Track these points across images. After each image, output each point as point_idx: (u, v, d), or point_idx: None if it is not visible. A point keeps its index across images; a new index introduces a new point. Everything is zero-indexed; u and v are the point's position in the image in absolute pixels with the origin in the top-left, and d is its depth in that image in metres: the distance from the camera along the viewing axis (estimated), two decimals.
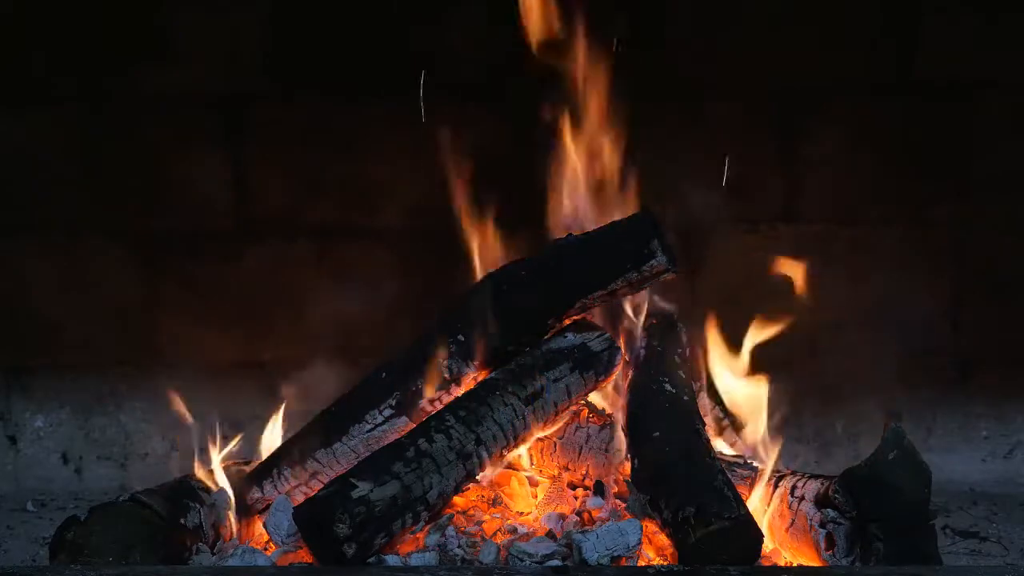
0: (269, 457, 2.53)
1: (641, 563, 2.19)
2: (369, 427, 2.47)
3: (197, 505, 2.33)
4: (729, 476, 2.25)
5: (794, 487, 2.32)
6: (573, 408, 2.54)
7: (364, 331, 3.13)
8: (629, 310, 2.69)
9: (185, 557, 2.25)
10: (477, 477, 2.38)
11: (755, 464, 2.48)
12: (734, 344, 2.73)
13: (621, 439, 2.48)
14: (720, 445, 2.66)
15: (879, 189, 3.27)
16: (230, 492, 2.42)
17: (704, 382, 2.74)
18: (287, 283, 3.25)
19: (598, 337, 2.54)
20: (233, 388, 3.22)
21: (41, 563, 2.54)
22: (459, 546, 2.24)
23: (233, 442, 2.59)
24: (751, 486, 2.40)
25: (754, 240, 3.29)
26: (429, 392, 2.48)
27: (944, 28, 3.21)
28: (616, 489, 2.47)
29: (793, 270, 2.74)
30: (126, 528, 2.19)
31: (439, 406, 2.46)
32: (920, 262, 3.27)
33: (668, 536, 2.21)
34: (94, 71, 3.20)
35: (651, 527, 2.26)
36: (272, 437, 2.63)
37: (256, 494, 2.47)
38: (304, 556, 2.24)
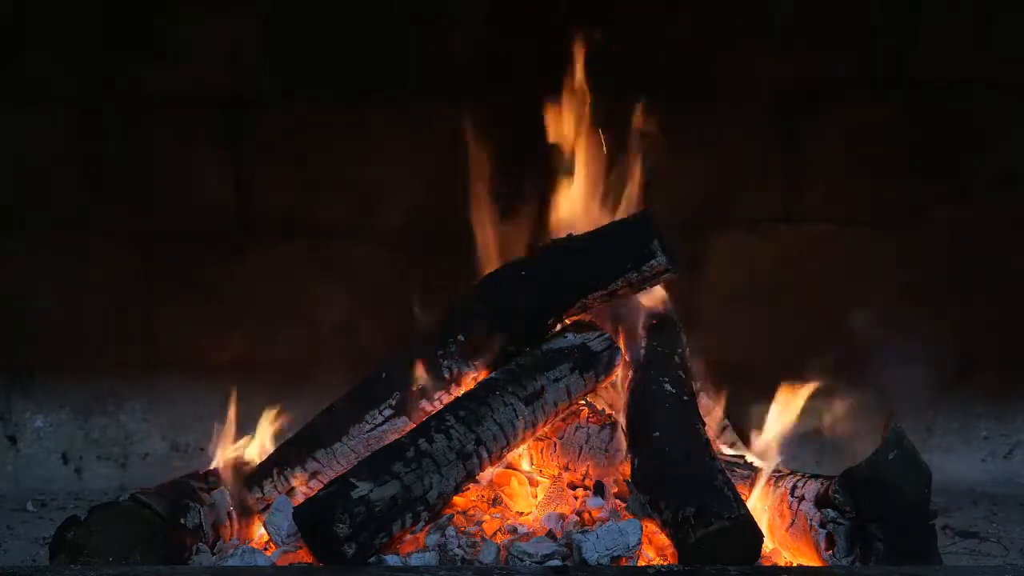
0: (269, 457, 2.53)
1: (641, 563, 2.19)
2: (369, 427, 2.47)
3: (197, 505, 2.33)
4: (729, 476, 2.25)
5: (794, 487, 2.31)
6: (573, 408, 2.54)
7: (364, 331, 3.13)
8: (629, 310, 2.68)
9: (185, 557, 2.25)
10: (477, 477, 2.38)
11: (755, 464, 2.48)
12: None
13: (621, 439, 2.48)
14: (720, 445, 2.66)
15: (879, 189, 3.27)
16: (233, 492, 2.42)
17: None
18: (287, 283, 3.25)
19: (598, 337, 2.53)
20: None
21: (41, 563, 2.53)
22: (459, 546, 2.24)
23: (232, 441, 2.59)
24: (751, 486, 2.40)
25: (754, 240, 3.29)
26: (429, 392, 2.49)
27: (944, 28, 3.21)
28: (616, 489, 2.46)
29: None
30: (126, 528, 2.19)
31: (439, 406, 2.46)
32: (920, 262, 3.27)
33: (668, 536, 2.20)
34: (94, 71, 3.20)
35: (651, 527, 2.26)
36: (270, 437, 2.63)
37: (256, 494, 2.47)
38: (304, 556, 2.23)
